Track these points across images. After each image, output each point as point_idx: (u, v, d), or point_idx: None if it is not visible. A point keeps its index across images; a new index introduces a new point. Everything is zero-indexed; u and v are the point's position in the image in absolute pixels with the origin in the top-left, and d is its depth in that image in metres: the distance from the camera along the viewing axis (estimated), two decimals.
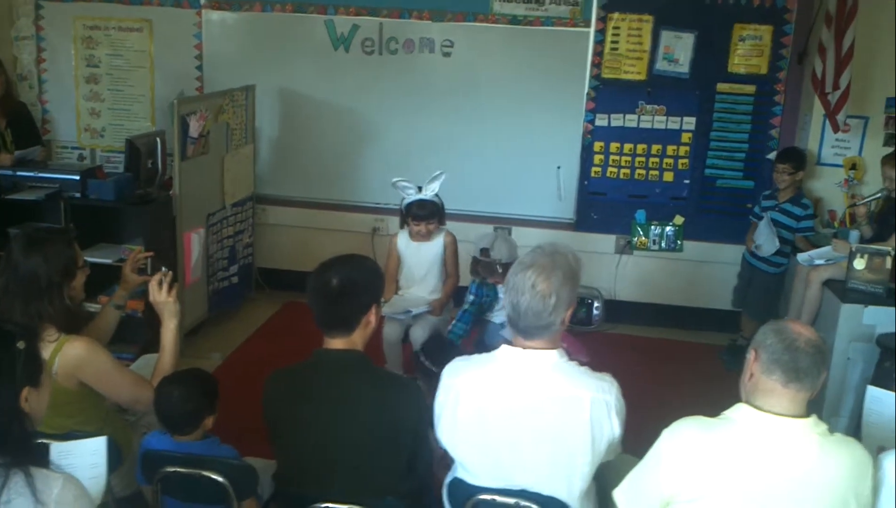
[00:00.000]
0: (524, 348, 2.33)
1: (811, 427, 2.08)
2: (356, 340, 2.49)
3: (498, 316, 4.19)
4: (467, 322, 4.20)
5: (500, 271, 4.04)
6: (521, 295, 2.26)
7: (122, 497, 2.79)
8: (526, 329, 2.30)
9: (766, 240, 5.08)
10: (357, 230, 6.11)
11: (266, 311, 5.95)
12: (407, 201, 4.34)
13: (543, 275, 2.27)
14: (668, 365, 5.34)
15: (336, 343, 2.47)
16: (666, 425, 2.21)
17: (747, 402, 2.16)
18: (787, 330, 2.12)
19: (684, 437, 2.15)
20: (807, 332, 2.11)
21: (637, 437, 2.41)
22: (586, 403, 2.25)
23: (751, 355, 2.18)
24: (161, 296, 2.96)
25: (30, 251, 2.74)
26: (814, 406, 2.14)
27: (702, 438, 2.12)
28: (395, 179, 4.34)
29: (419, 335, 4.25)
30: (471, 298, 4.24)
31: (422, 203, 4.30)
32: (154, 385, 2.80)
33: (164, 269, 3.03)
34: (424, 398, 2.56)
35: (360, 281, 2.47)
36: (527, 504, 2.29)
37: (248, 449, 2.86)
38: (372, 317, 2.51)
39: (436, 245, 4.41)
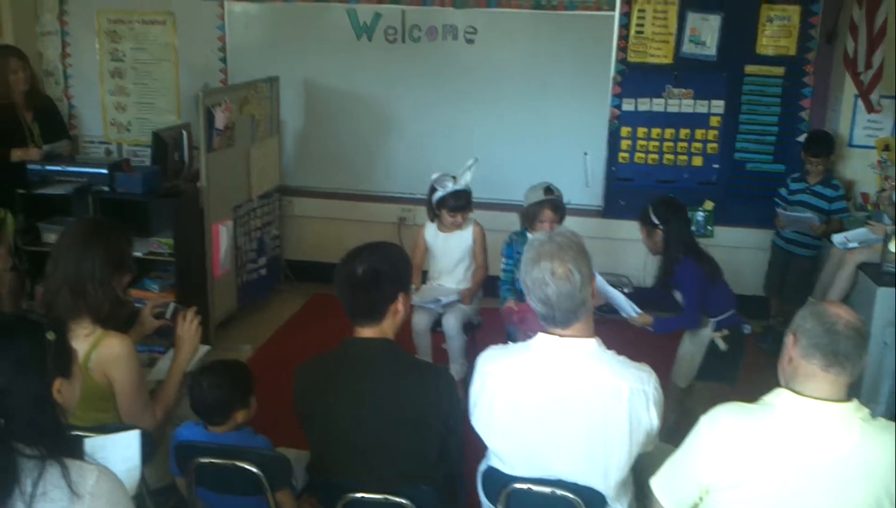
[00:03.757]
0: (561, 336, 2.30)
1: (852, 412, 2.04)
2: (385, 328, 2.48)
3: None
4: (509, 281, 4.27)
5: (563, 211, 4.17)
6: (546, 286, 2.23)
7: (156, 489, 2.79)
8: (563, 318, 2.26)
9: None
10: (383, 220, 6.09)
11: (295, 303, 5.95)
12: (442, 193, 4.28)
13: (557, 260, 2.24)
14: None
15: (365, 332, 2.46)
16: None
17: (787, 387, 2.12)
18: (826, 313, 2.07)
19: (724, 424, 2.11)
20: (846, 314, 2.06)
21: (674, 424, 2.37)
22: (625, 393, 2.22)
23: (789, 339, 2.14)
24: (186, 332, 2.96)
25: (91, 239, 2.76)
26: (851, 393, 2.09)
27: (742, 424, 2.09)
28: (434, 176, 4.30)
29: (452, 323, 4.25)
30: (508, 262, 4.28)
31: (457, 194, 4.27)
32: (157, 415, 2.83)
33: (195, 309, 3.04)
34: (455, 386, 2.54)
35: (386, 270, 2.45)
36: (563, 493, 2.27)
37: (281, 440, 2.86)
38: (400, 306, 2.48)
39: (465, 237, 4.37)
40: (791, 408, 2.06)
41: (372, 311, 2.44)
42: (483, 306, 4.58)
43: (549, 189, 4.11)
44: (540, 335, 2.34)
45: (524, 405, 2.30)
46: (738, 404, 2.15)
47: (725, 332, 3.76)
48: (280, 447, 2.83)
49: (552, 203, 4.10)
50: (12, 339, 1.82)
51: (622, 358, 2.32)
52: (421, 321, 4.26)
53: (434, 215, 4.41)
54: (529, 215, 4.15)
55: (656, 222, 3.81)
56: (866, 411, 2.07)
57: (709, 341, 3.79)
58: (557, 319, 2.28)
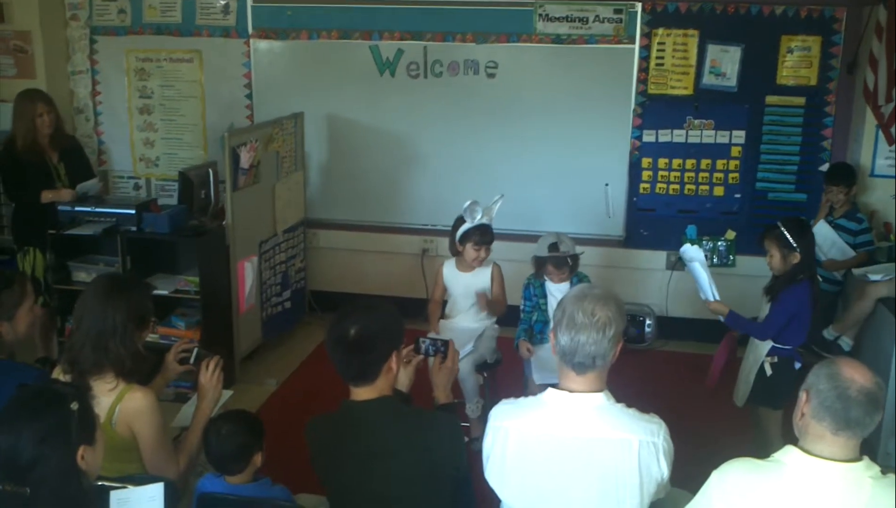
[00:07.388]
0: (570, 391, 2.32)
1: (862, 471, 2.06)
2: (381, 387, 2.48)
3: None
4: (527, 322, 4.30)
5: (570, 264, 4.17)
6: (578, 323, 2.26)
7: None
8: (581, 363, 2.28)
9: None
10: (406, 252, 6.16)
11: (318, 334, 5.99)
12: (469, 225, 4.26)
13: (601, 303, 2.28)
14: (721, 381, 5.26)
15: (362, 393, 2.46)
16: (721, 452, 2.23)
17: (798, 443, 2.14)
18: (839, 375, 2.07)
19: (733, 480, 2.14)
20: (861, 378, 2.06)
21: (695, 459, 2.42)
22: (634, 446, 2.25)
23: (803, 395, 2.15)
24: (208, 381, 3.00)
25: (112, 295, 2.81)
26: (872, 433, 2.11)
27: (751, 481, 2.11)
28: (466, 204, 4.25)
29: (462, 366, 4.12)
30: (527, 304, 4.31)
31: (483, 228, 4.27)
32: (181, 464, 2.86)
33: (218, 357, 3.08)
34: (460, 429, 2.57)
35: (377, 330, 2.44)
36: None
37: (305, 479, 2.87)
38: (393, 364, 2.49)
39: (483, 277, 4.36)
40: (800, 467, 2.08)
41: (365, 372, 2.44)
42: (503, 336, 4.51)
43: (555, 245, 4.14)
44: (550, 390, 2.37)
45: (535, 460, 2.34)
46: (749, 459, 2.18)
47: (774, 359, 3.76)
48: (300, 485, 2.88)
49: (555, 261, 4.14)
50: (38, 413, 1.89)
51: (631, 411, 2.34)
52: (465, 366, 4.17)
53: (456, 251, 4.38)
54: (537, 265, 4.24)
55: (795, 245, 3.74)
56: (877, 469, 2.08)
57: (760, 362, 3.80)
58: (575, 362, 2.29)
